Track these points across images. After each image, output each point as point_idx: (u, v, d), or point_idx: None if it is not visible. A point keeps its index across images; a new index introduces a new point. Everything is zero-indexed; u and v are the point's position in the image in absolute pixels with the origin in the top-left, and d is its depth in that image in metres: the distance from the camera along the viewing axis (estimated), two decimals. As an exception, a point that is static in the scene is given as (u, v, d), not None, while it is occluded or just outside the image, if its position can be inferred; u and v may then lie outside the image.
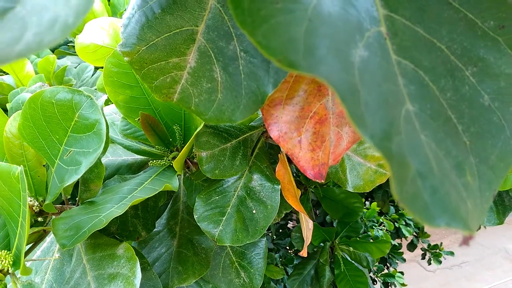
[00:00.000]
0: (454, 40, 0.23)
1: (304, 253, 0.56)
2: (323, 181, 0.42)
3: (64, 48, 1.67)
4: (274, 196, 0.55)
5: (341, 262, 1.64)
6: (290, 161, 0.65)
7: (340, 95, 0.17)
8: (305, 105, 0.41)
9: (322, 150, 0.42)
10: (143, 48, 0.39)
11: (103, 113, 0.45)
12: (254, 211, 0.53)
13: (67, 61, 1.45)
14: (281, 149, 0.63)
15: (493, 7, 0.23)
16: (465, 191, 0.21)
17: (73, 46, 1.42)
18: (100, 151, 0.43)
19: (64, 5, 0.17)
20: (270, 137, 0.65)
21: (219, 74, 0.38)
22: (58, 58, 1.58)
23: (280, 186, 0.56)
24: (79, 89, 0.44)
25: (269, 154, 0.72)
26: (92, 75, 1.30)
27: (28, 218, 0.37)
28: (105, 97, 0.54)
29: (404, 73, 0.21)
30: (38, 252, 0.57)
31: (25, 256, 0.49)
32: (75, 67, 1.36)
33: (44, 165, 0.52)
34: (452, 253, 2.71)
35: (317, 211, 2.16)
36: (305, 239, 0.57)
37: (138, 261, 0.45)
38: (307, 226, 0.56)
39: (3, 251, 0.41)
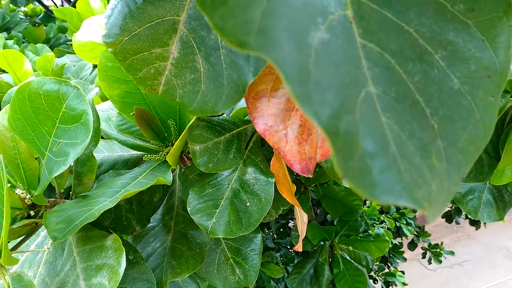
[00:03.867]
0: (423, 23, 0.22)
1: (299, 247, 0.56)
2: (310, 175, 0.42)
3: (64, 46, 1.68)
4: (268, 189, 0.54)
5: (340, 261, 1.63)
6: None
7: (284, 74, 0.17)
8: (290, 97, 0.41)
9: (309, 143, 0.42)
10: (125, 39, 0.39)
11: (92, 105, 0.44)
12: (248, 204, 0.53)
13: (66, 59, 1.45)
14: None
15: None
16: (430, 173, 0.20)
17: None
18: (88, 141, 0.43)
19: None
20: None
21: (202, 64, 0.38)
22: (58, 57, 1.58)
23: (274, 179, 0.55)
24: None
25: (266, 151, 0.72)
26: (91, 73, 1.30)
27: (7, 205, 0.36)
28: (96, 89, 0.54)
29: (369, 56, 0.20)
30: (32, 246, 0.57)
31: (15, 249, 0.49)
32: (74, 65, 1.36)
33: (36, 158, 0.52)
34: (452, 253, 2.70)
35: (318, 210, 2.16)
36: (300, 233, 0.57)
37: (124, 251, 0.45)
38: (302, 220, 0.56)
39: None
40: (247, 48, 0.17)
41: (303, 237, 0.57)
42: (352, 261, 1.62)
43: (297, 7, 0.18)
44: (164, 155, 0.66)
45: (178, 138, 0.68)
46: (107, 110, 0.79)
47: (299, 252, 2.26)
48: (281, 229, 2.39)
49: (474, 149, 0.23)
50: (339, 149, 0.17)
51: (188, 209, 0.53)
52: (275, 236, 2.34)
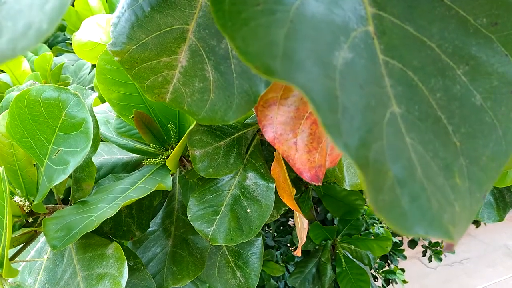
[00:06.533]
0: (445, 38, 0.22)
1: (298, 252, 0.56)
2: (320, 183, 0.41)
3: (62, 45, 1.67)
4: (269, 195, 0.54)
5: (343, 261, 1.63)
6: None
7: (313, 104, 0.16)
8: (300, 105, 0.40)
9: (319, 151, 0.41)
10: (133, 47, 0.38)
11: (91, 111, 0.44)
12: (248, 210, 0.53)
13: (65, 58, 1.44)
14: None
15: (486, 4, 0.22)
16: (453, 193, 0.20)
17: (71, 44, 1.42)
18: (88, 150, 0.42)
19: (39, 10, 0.16)
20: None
21: (211, 73, 0.37)
22: (56, 56, 1.57)
23: (274, 185, 0.55)
24: (67, 87, 0.43)
25: (266, 151, 0.71)
26: (89, 72, 1.29)
27: (9, 217, 0.36)
28: (95, 95, 0.53)
29: (392, 73, 0.20)
30: (32, 252, 0.57)
31: (15, 257, 0.48)
32: (72, 65, 1.35)
33: (34, 165, 0.52)
34: (452, 251, 2.70)
35: (318, 209, 2.15)
36: (299, 238, 0.56)
37: (125, 261, 0.44)
38: (302, 225, 0.55)
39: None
40: (274, 76, 0.16)
41: (303, 242, 0.56)
42: (355, 260, 1.62)
43: (320, 25, 0.18)
44: (163, 159, 0.65)
45: (177, 141, 0.68)
46: (106, 112, 0.78)
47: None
48: (281, 227, 2.39)
49: (496, 166, 0.22)
50: (370, 182, 0.17)
51: (189, 215, 0.53)
52: (275, 234, 2.34)
